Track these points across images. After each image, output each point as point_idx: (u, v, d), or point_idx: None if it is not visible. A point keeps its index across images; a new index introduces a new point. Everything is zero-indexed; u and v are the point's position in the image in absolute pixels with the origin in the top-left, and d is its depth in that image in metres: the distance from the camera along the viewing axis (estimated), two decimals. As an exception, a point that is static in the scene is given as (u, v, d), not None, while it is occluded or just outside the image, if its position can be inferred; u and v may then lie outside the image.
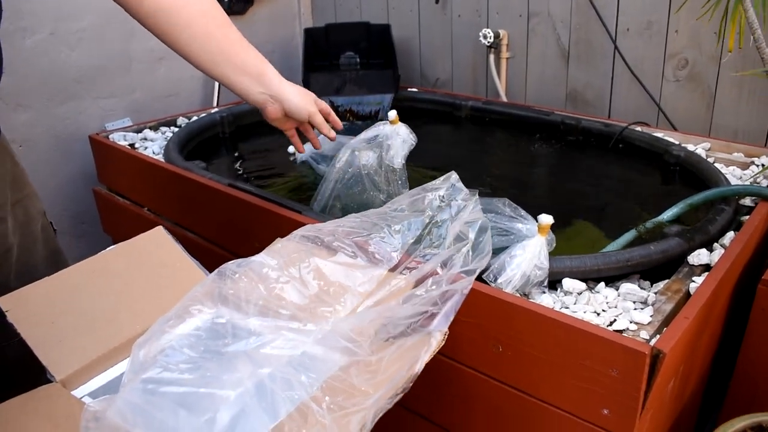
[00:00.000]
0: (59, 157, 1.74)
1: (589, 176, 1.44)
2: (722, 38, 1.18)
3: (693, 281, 0.89)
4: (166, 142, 1.54)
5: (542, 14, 1.77)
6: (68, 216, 1.81)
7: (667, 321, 0.82)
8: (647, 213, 1.11)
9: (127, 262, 0.83)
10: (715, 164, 1.29)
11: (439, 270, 0.76)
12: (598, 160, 1.50)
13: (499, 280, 0.87)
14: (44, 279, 0.78)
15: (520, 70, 1.87)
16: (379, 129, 1.28)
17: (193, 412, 0.56)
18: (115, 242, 0.87)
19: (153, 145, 1.58)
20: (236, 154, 1.67)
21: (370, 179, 1.23)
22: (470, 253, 0.80)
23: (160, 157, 1.48)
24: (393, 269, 0.78)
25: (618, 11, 1.62)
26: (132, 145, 1.58)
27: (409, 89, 1.96)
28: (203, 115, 1.76)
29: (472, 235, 0.83)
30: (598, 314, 0.85)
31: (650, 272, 0.94)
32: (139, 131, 1.67)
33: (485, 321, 0.85)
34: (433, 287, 0.71)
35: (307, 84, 1.87)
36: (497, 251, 0.88)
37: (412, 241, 0.83)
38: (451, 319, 0.70)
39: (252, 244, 1.02)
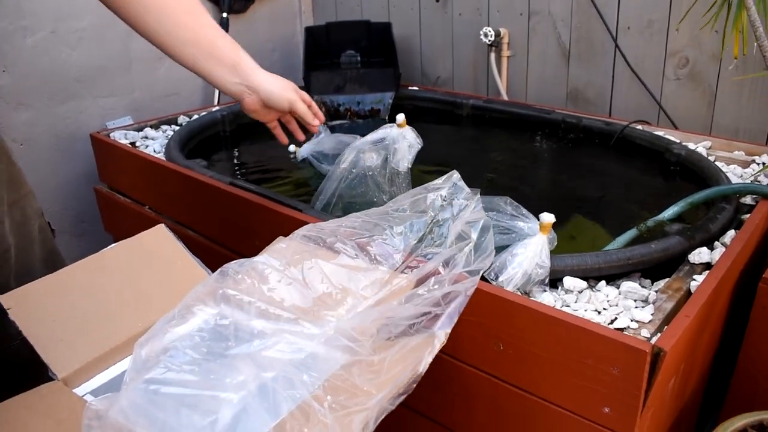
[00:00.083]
0: (60, 156, 1.74)
1: (590, 175, 1.44)
2: (725, 46, 1.18)
3: (694, 279, 0.89)
4: (167, 141, 1.54)
5: (543, 13, 1.77)
6: (69, 215, 1.81)
7: (667, 319, 0.82)
8: (648, 211, 1.11)
9: (128, 260, 0.83)
10: (716, 163, 1.29)
11: (441, 269, 0.76)
12: (599, 158, 1.49)
13: (500, 279, 0.87)
14: (46, 277, 0.78)
15: (521, 69, 1.87)
16: (386, 131, 1.27)
17: (196, 413, 0.56)
18: (116, 241, 0.87)
19: (154, 144, 1.58)
20: (237, 153, 1.67)
21: (374, 181, 1.23)
22: (473, 252, 0.80)
23: (161, 156, 1.48)
24: (395, 270, 0.78)
25: (619, 10, 1.61)
26: (133, 144, 1.58)
27: (409, 88, 1.96)
28: (204, 113, 1.76)
29: (474, 235, 0.83)
30: (599, 313, 0.85)
31: (651, 271, 0.94)
32: (140, 130, 1.67)
33: (486, 319, 0.85)
34: (436, 287, 0.71)
35: (308, 82, 1.87)
36: (498, 250, 0.88)
37: (414, 242, 0.83)
38: (455, 320, 0.70)
39: (252, 243, 1.02)
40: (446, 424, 0.99)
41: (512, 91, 1.91)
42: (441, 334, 0.69)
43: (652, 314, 0.82)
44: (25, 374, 0.67)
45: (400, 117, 1.26)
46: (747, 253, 1.00)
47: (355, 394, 0.60)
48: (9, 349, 0.81)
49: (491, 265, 0.87)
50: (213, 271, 0.73)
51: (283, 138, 1.14)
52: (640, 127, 1.49)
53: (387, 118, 1.83)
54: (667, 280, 0.91)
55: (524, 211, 0.95)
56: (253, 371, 0.61)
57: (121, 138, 1.61)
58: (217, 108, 1.81)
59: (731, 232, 1.01)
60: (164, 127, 1.71)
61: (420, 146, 1.26)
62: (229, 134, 1.75)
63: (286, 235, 0.83)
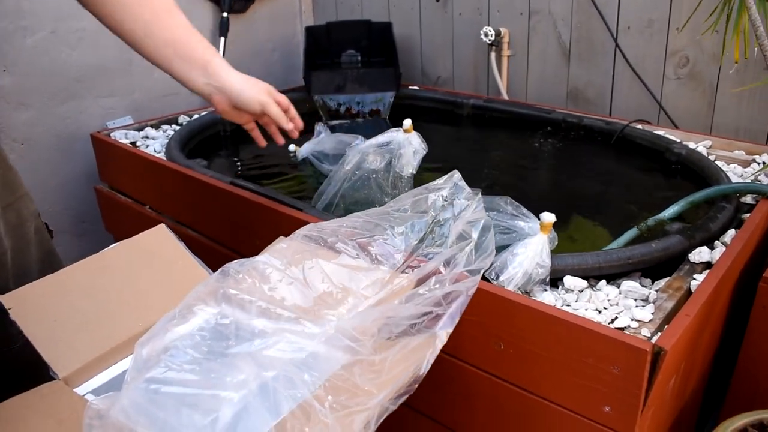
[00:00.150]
0: (60, 156, 1.74)
1: (591, 174, 1.44)
2: (726, 50, 1.18)
3: (694, 279, 0.89)
4: (167, 140, 1.54)
5: (543, 12, 1.77)
6: (70, 215, 1.81)
7: (668, 318, 0.82)
8: (648, 211, 1.11)
9: (129, 260, 0.83)
10: (716, 162, 1.29)
11: (441, 269, 0.76)
12: (600, 158, 1.50)
13: (501, 278, 0.87)
14: (46, 277, 0.78)
15: (521, 68, 1.87)
16: (392, 135, 1.27)
17: (197, 412, 0.56)
18: (116, 241, 0.87)
19: (154, 143, 1.58)
20: (237, 152, 1.67)
21: (377, 183, 1.23)
22: (473, 252, 0.80)
23: (161, 155, 1.48)
24: (396, 271, 0.78)
25: (619, 9, 1.62)
26: (133, 144, 1.58)
27: (410, 87, 1.96)
28: (204, 113, 1.76)
29: (475, 235, 0.83)
30: (600, 312, 0.85)
31: (651, 270, 0.94)
32: (140, 129, 1.67)
33: (487, 319, 0.85)
34: (437, 286, 0.71)
35: (308, 82, 1.87)
36: (499, 249, 0.88)
37: (415, 242, 0.83)
38: (457, 320, 0.70)
39: (253, 242, 1.02)
40: (447, 424, 0.99)
41: (512, 90, 1.91)
42: (442, 334, 0.69)
43: (652, 313, 0.83)
44: (25, 376, 0.67)
45: (407, 122, 1.26)
46: (747, 252, 1.00)
47: (356, 394, 0.60)
48: (10, 352, 0.81)
49: (492, 264, 0.87)
50: (214, 270, 0.74)
51: (261, 140, 1.11)
52: (640, 126, 1.49)
53: (387, 117, 1.83)
54: (667, 279, 0.91)
55: (525, 210, 0.95)
56: (254, 370, 0.61)
57: (122, 138, 1.61)
58: (217, 108, 1.81)
59: (731, 232, 1.01)
60: (165, 126, 1.71)
61: (425, 152, 1.26)
62: (230, 134, 1.75)
63: (286, 234, 0.83)
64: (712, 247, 0.97)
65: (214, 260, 0.83)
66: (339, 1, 2.29)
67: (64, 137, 1.73)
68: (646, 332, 0.79)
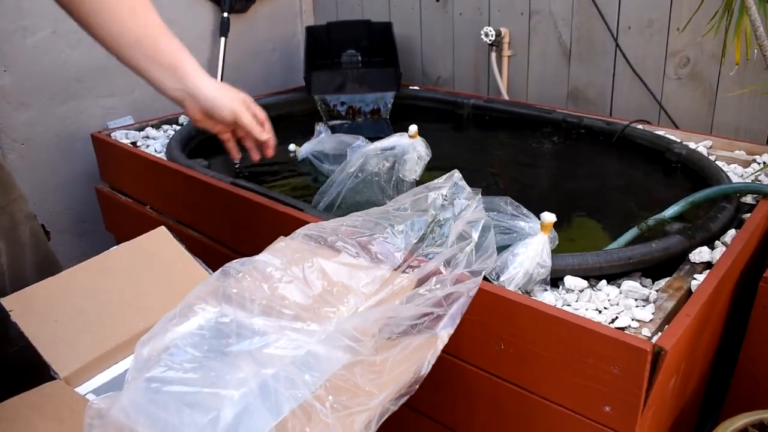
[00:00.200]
0: (60, 156, 1.74)
1: (591, 174, 1.44)
2: (726, 52, 1.18)
3: (694, 279, 0.89)
4: (168, 140, 1.54)
5: (543, 12, 1.77)
6: (70, 215, 1.81)
7: (668, 318, 0.82)
8: (649, 211, 1.11)
9: (129, 261, 0.83)
10: (717, 162, 1.29)
11: (442, 269, 0.76)
12: (600, 158, 1.50)
13: (501, 278, 0.87)
14: (48, 279, 0.79)
15: (522, 68, 1.87)
16: (397, 140, 1.27)
17: (197, 411, 0.56)
18: (117, 240, 0.87)
19: (155, 143, 1.58)
20: (238, 152, 1.67)
21: (379, 186, 1.23)
22: (474, 252, 0.80)
23: (162, 155, 1.48)
24: (396, 269, 0.78)
25: (619, 9, 1.62)
26: (134, 144, 1.58)
27: (410, 87, 1.96)
28: (205, 113, 1.76)
29: (475, 235, 0.83)
30: (600, 312, 0.85)
31: (652, 270, 0.94)
32: (141, 129, 1.67)
33: (487, 318, 0.85)
34: (437, 286, 0.71)
35: (308, 82, 1.87)
36: (500, 249, 0.89)
37: (415, 241, 0.83)
38: (458, 321, 0.70)
39: (254, 242, 1.02)
40: (447, 424, 0.99)
41: (513, 90, 1.91)
42: (444, 334, 0.69)
43: (652, 313, 0.83)
44: (24, 380, 0.67)
45: (413, 128, 1.25)
46: (747, 252, 1.01)
47: (356, 394, 0.60)
48: (8, 355, 0.81)
49: (493, 266, 0.87)
50: (214, 271, 0.74)
51: (234, 152, 1.07)
52: (640, 126, 1.49)
53: (388, 117, 1.83)
54: (667, 279, 0.91)
55: (525, 210, 0.95)
56: (254, 368, 0.61)
57: (122, 138, 1.61)
58: (217, 108, 1.81)
59: (732, 232, 1.01)
60: (165, 126, 1.71)
61: (429, 158, 1.26)
62: (230, 133, 1.74)
63: (287, 235, 0.83)
64: (712, 247, 0.97)
65: (214, 260, 0.83)
66: (339, 1, 2.29)
67: (64, 137, 1.73)
68: (646, 332, 0.79)
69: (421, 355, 0.66)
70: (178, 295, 0.70)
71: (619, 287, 0.89)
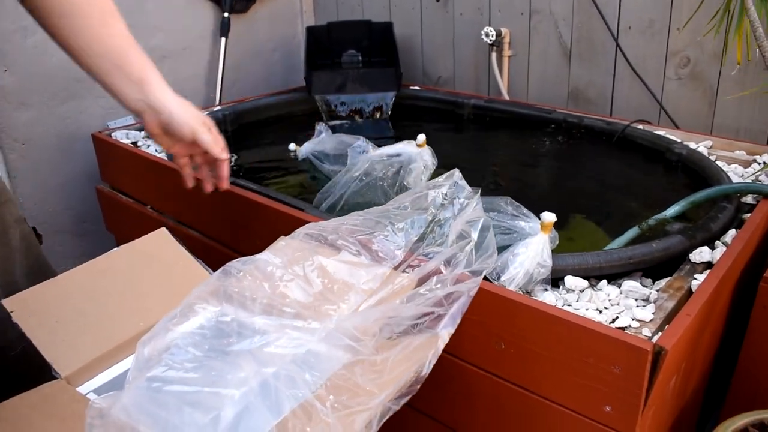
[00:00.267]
0: (61, 156, 1.74)
1: (591, 174, 1.44)
2: (727, 51, 1.18)
3: (695, 279, 0.89)
4: (168, 141, 1.54)
5: (544, 12, 1.77)
6: (70, 215, 1.81)
7: (669, 318, 0.82)
8: (649, 211, 1.11)
9: (130, 262, 0.84)
10: (717, 162, 1.29)
11: (442, 268, 0.77)
12: (600, 158, 1.50)
13: (502, 278, 0.87)
14: (49, 280, 0.79)
15: (522, 68, 1.88)
16: (404, 148, 1.27)
17: (198, 410, 0.56)
18: (117, 241, 0.88)
19: (156, 144, 1.58)
20: (238, 152, 1.67)
21: (383, 191, 1.24)
22: (474, 251, 0.80)
23: (162, 156, 1.48)
24: (396, 267, 0.78)
25: (620, 9, 1.62)
26: (135, 144, 1.58)
27: (411, 87, 1.96)
28: (206, 113, 1.76)
29: (474, 234, 0.83)
30: (601, 312, 0.85)
31: (652, 270, 0.94)
32: (141, 129, 1.67)
33: (488, 318, 0.85)
34: (438, 286, 0.72)
35: (309, 82, 1.87)
36: (500, 249, 0.89)
37: (415, 239, 0.83)
38: (458, 321, 0.71)
39: (254, 242, 1.02)
40: (447, 423, 0.99)
41: (513, 90, 1.91)
42: (444, 334, 0.69)
43: (653, 313, 0.83)
44: (24, 383, 0.67)
45: (421, 137, 1.25)
46: (748, 252, 1.01)
47: (357, 394, 0.60)
48: (8, 358, 0.81)
49: (493, 266, 0.87)
50: (215, 271, 0.74)
51: (189, 179, 1.03)
52: (641, 126, 1.49)
53: (388, 117, 1.83)
54: (668, 279, 0.91)
55: (525, 210, 0.95)
56: (255, 367, 0.61)
57: (123, 138, 1.61)
58: (218, 108, 1.82)
59: (732, 232, 1.01)
60: (166, 126, 1.71)
61: (435, 167, 1.26)
62: (231, 134, 1.75)
63: (287, 234, 0.83)
64: (712, 247, 0.97)
65: (215, 260, 0.83)
66: (340, 1, 2.29)
67: (64, 137, 1.74)
68: (646, 332, 0.79)
69: (422, 354, 0.66)
70: (178, 296, 0.70)
71: (619, 287, 0.89)
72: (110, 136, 1.61)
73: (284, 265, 0.74)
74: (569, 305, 0.86)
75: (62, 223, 1.79)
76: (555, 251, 0.91)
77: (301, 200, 1.16)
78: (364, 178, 1.23)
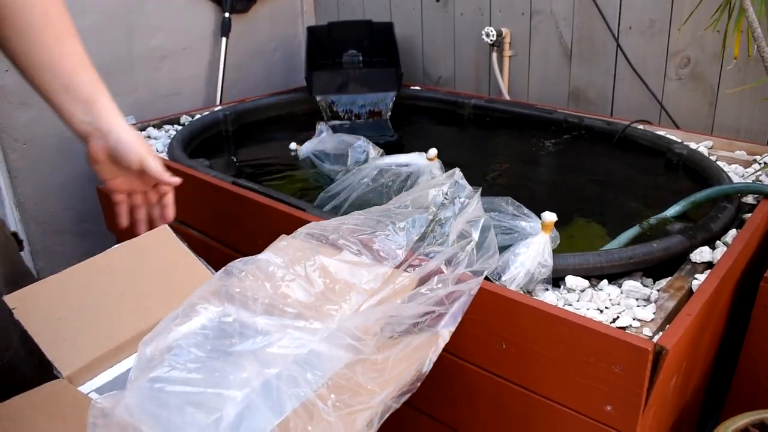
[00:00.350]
0: (62, 156, 1.74)
1: (592, 174, 1.44)
2: (727, 48, 1.18)
3: (695, 278, 0.89)
4: (169, 140, 1.55)
5: (545, 12, 1.77)
6: (71, 215, 1.81)
7: (669, 318, 0.83)
8: (650, 211, 1.11)
9: (132, 260, 0.83)
10: (718, 162, 1.29)
11: (443, 268, 0.77)
12: (601, 158, 1.50)
13: (503, 278, 0.87)
14: (51, 277, 0.79)
15: (523, 69, 1.88)
16: (414, 159, 1.26)
17: (201, 411, 0.57)
18: (118, 241, 0.87)
19: (157, 143, 1.58)
20: (239, 152, 1.68)
21: (388, 198, 1.23)
22: (474, 251, 0.80)
23: (164, 155, 1.48)
24: (398, 266, 0.78)
25: (620, 9, 1.62)
26: (135, 144, 1.58)
27: (411, 87, 1.96)
28: (207, 113, 1.76)
29: (475, 234, 0.83)
30: (601, 311, 0.85)
31: (653, 270, 0.94)
32: (142, 129, 1.67)
33: (489, 318, 0.85)
34: (439, 285, 0.72)
35: (310, 82, 1.88)
36: (501, 249, 0.89)
37: (416, 238, 0.83)
38: (459, 319, 0.71)
39: (255, 242, 1.02)
40: (448, 423, 0.99)
41: (514, 90, 1.91)
42: (445, 332, 0.69)
43: (653, 313, 0.83)
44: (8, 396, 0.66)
45: (433, 151, 1.24)
46: (748, 252, 1.01)
47: (358, 393, 0.60)
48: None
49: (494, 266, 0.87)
50: (217, 270, 0.74)
51: (123, 217, 0.96)
52: (641, 126, 1.49)
53: (389, 117, 1.83)
54: (668, 279, 0.91)
55: (526, 210, 0.95)
56: (257, 368, 0.61)
57: (124, 137, 1.61)
58: (219, 108, 1.82)
59: (733, 232, 1.01)
60: (167, 126, 1.72)
61: None
62: (232, 134, 1.75)
63: (288, 234, 0.83)
64: (713, 247, 0.97)
65: (216, 259, 0.83)
66: (340, 1, 2.29)
67: (65, 137, 1.73)
68: (647, 332, 0.80)
69: (423, 353, 0.67)
70: (180, 295, 0.71)
71: (620, 287, 0.89)
72: (111, 136, 1.61)
73: (286, 264, 0.74)
74: (570, 305, 0.87)
75: (63, 223, 1.79)
76: (556, 251, 0.91)
77: (302, 200, 1.16)
78: (370, 183, 1.23)
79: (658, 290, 0.88)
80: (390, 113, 1.84)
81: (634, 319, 0.82)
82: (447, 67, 2.08)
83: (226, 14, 2.00)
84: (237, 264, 0.73)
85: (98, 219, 1.76)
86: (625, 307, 0.85)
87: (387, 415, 0.60)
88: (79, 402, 0.65)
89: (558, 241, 0.92)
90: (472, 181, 0.95)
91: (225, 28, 2.00)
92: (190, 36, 1.97)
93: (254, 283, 0.71)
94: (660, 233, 1.01)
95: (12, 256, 0.95)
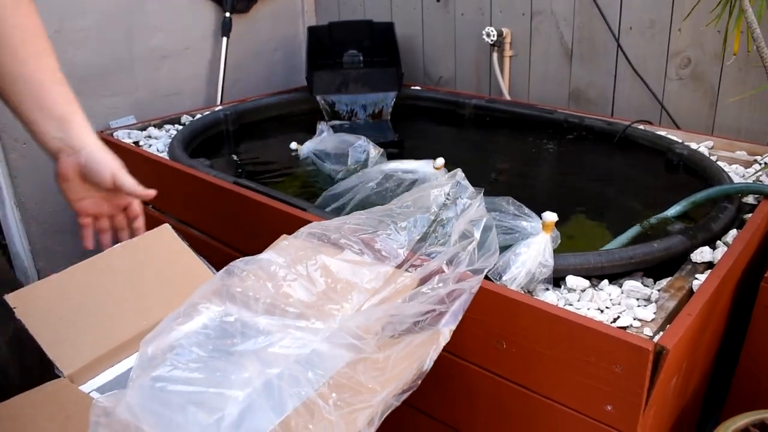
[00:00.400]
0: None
1: (592, 174, 1.44)
2: (727, 47, 1.18)
3: (696, 279, 0.89)
4: (170, 140, 1.55)
5: (545, 12, 1.77)
6: (71, 214, 1.78)
7: (670, 318, 0.83)
8: (650, 211, 1.11)
9: (133, 259, 0.83)
10: (718, 162, 1.29)
11: (445, 268, 0.77)
12: (601, 158, 1.50)
13: (503, 278, 0.87)
14: (51, 277, 0.79)
15: (523, 69, 1.88)
16: (420, 167, 1.26)
17: (202, 410, 0.57)
18: (118, 240, 0.87)
19: (157, 143, 1.58)
20: (240, 152, 1.68)
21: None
22: (476, 251, 0.81)
23: (164, 155, 1.48)
24: (399, 266, 0.79)
25: (621, 10, 1.62)
26: (136, 143, 1.59)
27: (412, 87, 1.96)
28: (207, 112, 1.76)
29: (477, 234, 0.83)
30: (602, 311, 0.85)
31: (653, 270, 0.94)
32: (143, 129, 1.68)
33: (489, 318, 0.85)
34: (440, 285, 0.72)
35: (310, 82, 1.88)
36: (502, 249, 0.89)
37: (418, 237, 0.83)
38: (460, 318, 0.71)
39: (256, 241, 1.02)
40: (449, 422, 0.99)
41: (514, 90, 1.91)
42: (446, 331, 0.70)
43: (654, 313, 0.83)
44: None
45: (440, 161, 1.23)
46: (749, 252, 1.01)
47: (359, 392, 0.61)
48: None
49: (495, 264, 0.87)
50: (217, 270, 0.74)
51: (88, 240, 0.94)
52: (642, 127, 1.49)
53: (389, 117, 1.83)
54: (669, 279, 0.91)
55: (527, 210, 0.95)
56: (258, 368, 0.61)
57: (125, 137, 1.61)
58: (220, 107, 1.82)
59: (733, 232, 1.01)
60: (167, 126, 1.72)
61: None
62: (232, 133, 1.75)
63: (289, 233, 0.83)
64: (713, 247, 0.97)
65: (217, 259, 0.83)
66: (341, 1, 2.29)
67: (66, 137, 1.74)
68: (648, 331, 0.80)
69: (424, 351, 0.67)
70: (181, 294, 0.71)
71: (620, 287, 0.90)
72: (112, 135, 1.61)
73: (287, 264, 0.74)
74: (571, 305, 0.87)
75: (63, 223, 1.79)
76: (556, 251, 0.91)
77: (303, 200, 1.16)
78: (375, 187, 1.23)
79: (659, 290, 0.88)
80: (390, 113, 1.84)
81: (634, 319, 0.82)
82: (448, 67, 2.08)
83: (227, 14, 2.00)
84: (239, 263, 0.73)
85: (99, 218, 1.76)
86: (625, 307, 0.85)
87: (387, 413, 0.60)
88: (80, 401, 0.65)
89: (559, 241, 0.92)
90: (472, 181, 0.95)
91: (225, 28, 2.00)
92: (190, 36, 1.97)
93: (256, 282, 0.71)
94: (660, 233, 1.01)
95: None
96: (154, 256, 0.84)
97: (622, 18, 1.62)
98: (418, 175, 1.25)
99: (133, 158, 1.50)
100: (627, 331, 0.79)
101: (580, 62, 1.74)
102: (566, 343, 0.79)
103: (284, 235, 0.83)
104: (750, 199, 1.13)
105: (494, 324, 0.85)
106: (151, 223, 0.90)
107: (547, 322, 0.79)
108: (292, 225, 0.89)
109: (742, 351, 1.02)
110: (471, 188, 0.92)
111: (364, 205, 1.23)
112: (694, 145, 1.38)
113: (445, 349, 0.70)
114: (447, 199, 0.90)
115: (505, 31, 1.85)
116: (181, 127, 1.68)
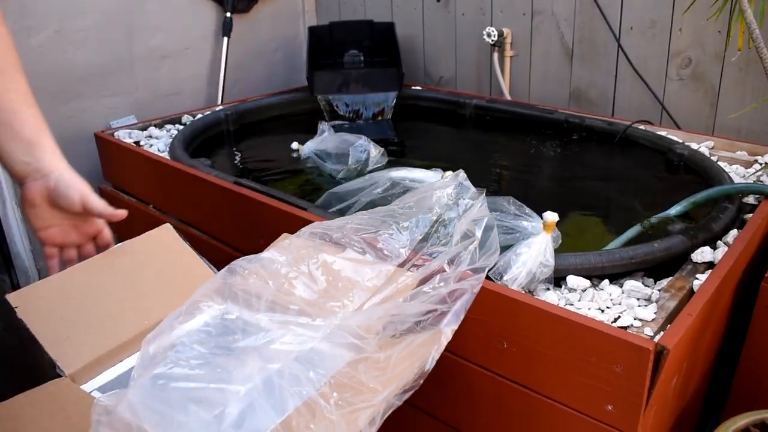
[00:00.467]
0: (63, 156, 1.74)
1: (593, 174, 1.44)
2: (729, 45, 1.18)
3: (696, 279, 0.89)
4: (171, 140, 1.55)
5: (546, 12, 1.77)
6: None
7: (670, 318, 0.83)
8: (651, 211, 1.11)
9: (135, 258, 0.84)
10: (719, 162, 1.29)
11: (446, 267, 0.77)
12: (602, 158, 1.50)
13: (504, 278, 0.87)
14: (52, 276, 0.79)
15: (524, 69, 1.88)
16: (428, 176, 1.25)
17: (203, 408, 0.57)
18: (120, 240, 0.87)
19: (158, 143, 1.58)
20: (241, 152, 1.68)
21: None
22: (477, 250, 0.81)
23: (165, 155, 1.48)
24: (401, 265, 0.79)
25: (621, 10, 1.62)
26: (137, 143, 1.59)
27: (412, 87, 1.96)
28: (208, 112, 1.77)
29: (478, 233, 0.83)
30: (603, 311, 0.85)
31: (654, 270, 0.94)
32: (144, 129, 1.68)
33: (490, 318, 0.85)
34: (441, 284, 0.72)
35: (311, 82, 1.88)
36: (503, 249, 0.89)
37: (420, 237, 0.84)
38: (461, 318, 0.71)
39: (257, 241, 1.02)
40: (450, 422, 0.99)
41: (515, 90, 1.91)
42: (447, 330, 0.70)
43: (655, 313, 0.83)
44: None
45: (449, 174, 1.24)
46: (749, 252, 1.01)
47: (360, 391, 0.61)
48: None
49: (495, 264, 0.88)
50: (219, 270, 0.74)
51: (54, 270, 0.88)
52: (642, 127, 1.49)
53: (390, 117, 1.83)
54: (669, 279, 0.91)
55: (528, 210, 0.95)
56: (259, 364, 0.61)
57: (125, 137, 1.61)
58: (220, 107, 1.82)
59: (734, 232, 1.01)
60: (168, 126, 1.72)
61: None
62: (233, 133, 1.75)
63: (290, 233, 0.84)
64: (714, 247, 0.97)
65: (217, 259, 0.83)
66: (342, 1, 2.29)
67: (67, 136, 1.74)
68: (648, 331, 0.80)
69: (425, 351, 0.67)
70: (183, 293, 0.71)
71: (621, 287, 0.90)
72: (113, 135, 1.61)
73: (289, 262, 0.74)
74: (571, 305, 0.87)
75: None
76: (557, 251, 0.91)
77: (304, 199, 1.16)
78: (380, 192, 1.23)
79: (660, 290, 0.88)
80: (391, 113, 1.84)
81: (635, 319, 0.82)
82: (448, 67, 2.08)
83: (228, 14, 2.00)
84: (240, 262, 0.73)
85: (99, 218, 1.76)
86: (626, 307, 0.85)
87: (389, 413, 0.60)
88: (81, 400, 0.65)
89: (559, 241, 0.92)
90: (473, 181, 0.95)
91: (226, 28, 2.01)
92: (191, 36, 1.98)
93: (258, 281, 0.71)
94: (661, 233, 1.01)
95: None
96: (154, 256, 0.84)
97: (623, 18, 1.62)
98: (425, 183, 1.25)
99: (134, 158, 1.50)
100: (628, 331, 0.79)
101: (581, 62, 1.74)
102: (567, 343, 0.79)
103: (285, 234, 0.83)
104: (750, 200, 1.13)
105: (495, 324, 0.85)
106: (152, 223, 0.90)
107: (548, 322, 0.79)
108: (292, 225, 0.89)
109: (743, 351, 1.02)
110: (473, 189, 0.93)
111: (368, 209, 1.23)
112: (694, 146, 1.38)
113: (446, 349, 0.70)
114: (449, 199, 0.90)
115: (505, 31, 1.85)
116: (182, 127, 1.68)
